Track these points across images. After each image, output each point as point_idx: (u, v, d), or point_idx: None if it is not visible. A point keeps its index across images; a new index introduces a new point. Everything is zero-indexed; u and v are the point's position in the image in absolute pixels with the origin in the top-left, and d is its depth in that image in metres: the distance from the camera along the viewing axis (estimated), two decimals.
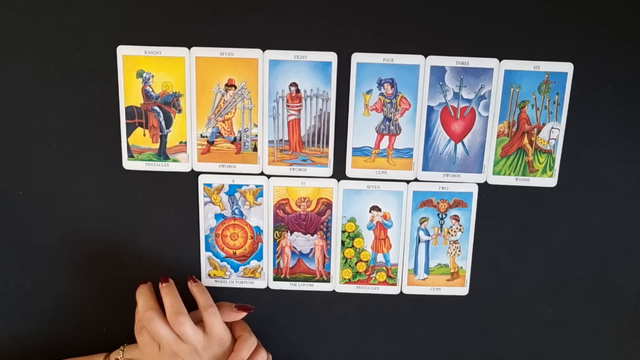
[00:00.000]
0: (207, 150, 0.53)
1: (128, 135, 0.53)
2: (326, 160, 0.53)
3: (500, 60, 0.51)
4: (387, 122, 0.53)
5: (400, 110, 0.53)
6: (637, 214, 0.55)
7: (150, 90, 0.52)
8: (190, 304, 0.50)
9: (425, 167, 0.54)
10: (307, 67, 0.51)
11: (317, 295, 0.56)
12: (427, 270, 0.56)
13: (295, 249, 0.55)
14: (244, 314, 0.51)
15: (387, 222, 0.55)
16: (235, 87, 0.52)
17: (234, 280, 0.56)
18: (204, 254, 0.55)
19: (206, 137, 0.53)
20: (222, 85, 0.52)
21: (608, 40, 0.51)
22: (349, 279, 0.56)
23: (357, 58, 0.51)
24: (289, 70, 0.51)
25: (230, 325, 0.51)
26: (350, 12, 0.50)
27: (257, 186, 0.54)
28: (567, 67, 0.52)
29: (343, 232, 0.55)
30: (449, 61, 0.51)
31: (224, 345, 0.49)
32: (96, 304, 0.56)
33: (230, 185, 0.54)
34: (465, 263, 0.56)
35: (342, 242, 0.55)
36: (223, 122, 0.53)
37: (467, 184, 0.54)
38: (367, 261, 0.56)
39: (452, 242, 0.56)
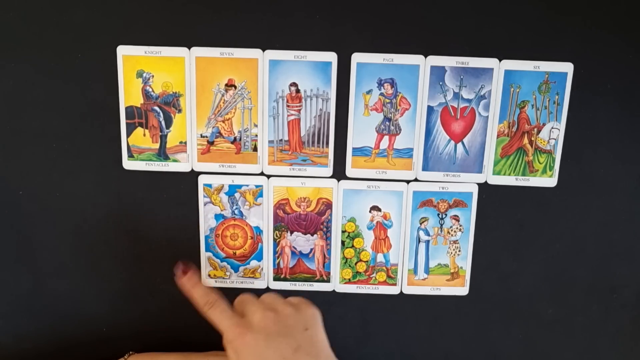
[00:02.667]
0: (207, 150, 0.53)
1: (128, 135, 0.53)
2: (326, 160, 0.53)
3: (500, 60, 0.51)
4: (387, 122, 0.53)
5: (400, 110, 0.53)
6: (637, 214, 0.55)
7: (150, 90, 0.52)
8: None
9: (425, 167, 0.54)
10: (307, 67, 0.51)
11: (317, 295, 0.56)
12: (427, 270, 0.56)
13: (295, 249, 0.55)
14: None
15: (387, 222, 0.55)
16: (235, 87, 0.52)
17: (234, 281, 0.56)
18: (204, 254, 0.55)
19: (206, 137, 0.53)
20: (222, 85, 0.52)
21: (608, 40, 0.51)
22: (349, 279, 0.56)
23: (357, 58, 0.51)
24: (289, 70, 0.51)
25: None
26: (350, 13, 0.50)
27: (257, 186, 0.54)
28: (567, 67, 0.52)
29: (343, 232, 0.55)
30: (449, 61, 0.51)
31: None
32: (96, 304, 0.56)
33: (230, 186, 0.54)
34: (465, 263, 0.56)
35: (342, 242, 0.55)
36: (223, 122, 0.53)
37: (467, 184, 0.54)
38: (367, 261, 0.56)
39: (452, 242, 0.56)
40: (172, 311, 0.56)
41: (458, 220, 0.55)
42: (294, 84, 0.52)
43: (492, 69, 0.52)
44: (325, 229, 0.55)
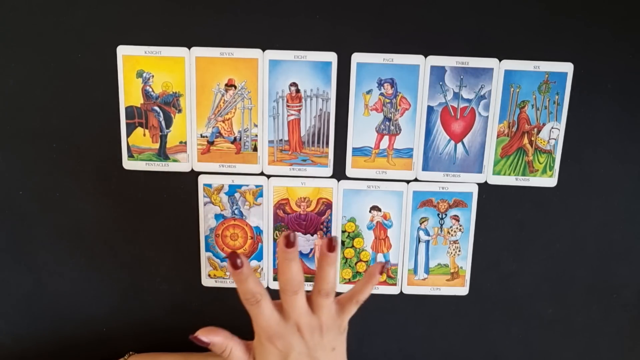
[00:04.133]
0: (207, 150, 0.53)
1: (128, 135, 0.53)
2: (326, 160, 0.53)
3: (500, 60, 0.51)
4: (387, 122, 0.53)
5: (400, 110, 0.53)
6: (637, 214, 0.55)
7: (150, 90, 0.52)
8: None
9: (425, 167, 0.54)
10: (307, 67, 0.51)
11: None
12: (427, 270, 0.56)
13: None
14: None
15: (387, 222, 0.55)
16: (235, 87, 0.52)
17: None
18: (204, 254, 0.55)
19: (206, 137, 0.53)
20: (222, 85, 0.52)
21: (608, 40, 0.51)
22: (349, 279, 0.56)
23: (357, 58, 0.51)
24: (289, 70, 0.51)
25: None
26: (350, 12, 0.50)
27: (257, 186, 0.54)
28: (567, 67, 0.52)
29: (343, 232, 0.55)
30: (449, 61, 0.51)
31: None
32: (96, 304, 0.56)
33: (230, 186, 0.54)
34: (465, 263, 0.56)
35: (342, 242, 0.55)
36: (223, 122, 0.53)
37: (467, 184, 0.54)
38: (367, 261, 0.56)
39: (452, 242, 0.56)
40: (172, 311, 0.56)
41: (458, 220, 0.55)
42: (294, 84, 0.52)
43: (492, 69, 0.52)
44: (325, 229, 0.55)
